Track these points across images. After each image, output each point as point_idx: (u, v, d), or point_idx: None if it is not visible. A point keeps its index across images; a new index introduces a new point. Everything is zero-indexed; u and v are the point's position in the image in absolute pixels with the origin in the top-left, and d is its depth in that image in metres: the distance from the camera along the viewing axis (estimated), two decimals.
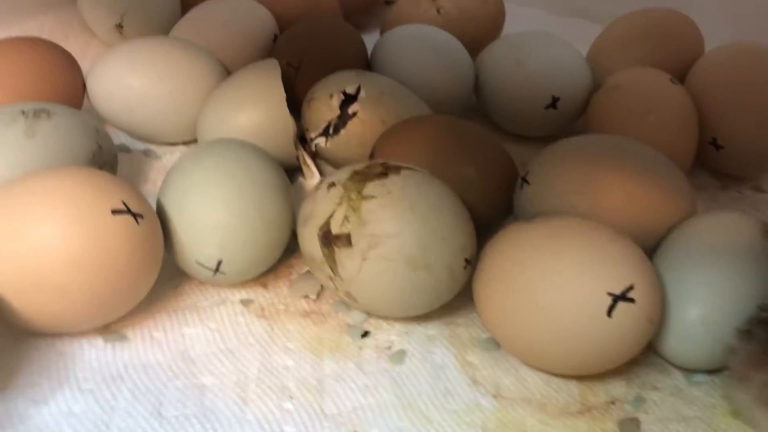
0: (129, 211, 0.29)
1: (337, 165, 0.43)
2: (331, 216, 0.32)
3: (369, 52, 0.49)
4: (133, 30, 0.51)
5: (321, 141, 0.42)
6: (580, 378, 0.32)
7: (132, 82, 0.41)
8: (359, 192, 0.32)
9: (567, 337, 0.29)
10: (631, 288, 0.28)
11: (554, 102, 0.45)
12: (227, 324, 0.33)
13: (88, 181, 0.29)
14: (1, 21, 0.51)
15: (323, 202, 0.33)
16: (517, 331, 0.31)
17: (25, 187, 0.29)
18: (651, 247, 0.33)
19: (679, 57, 0.46)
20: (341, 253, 0.31)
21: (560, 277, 0.29)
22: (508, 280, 0.30)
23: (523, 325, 0.30)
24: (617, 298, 0.28)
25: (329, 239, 0.32)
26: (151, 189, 0.42)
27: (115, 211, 0.29)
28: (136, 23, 0.51)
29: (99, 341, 0.32)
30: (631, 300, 0.28)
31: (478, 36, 0.52)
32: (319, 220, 0.32)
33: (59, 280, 0.28)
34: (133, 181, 0.42)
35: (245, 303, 0.35)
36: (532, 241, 0.30)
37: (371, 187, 0.32)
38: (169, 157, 0.44)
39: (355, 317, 0.34)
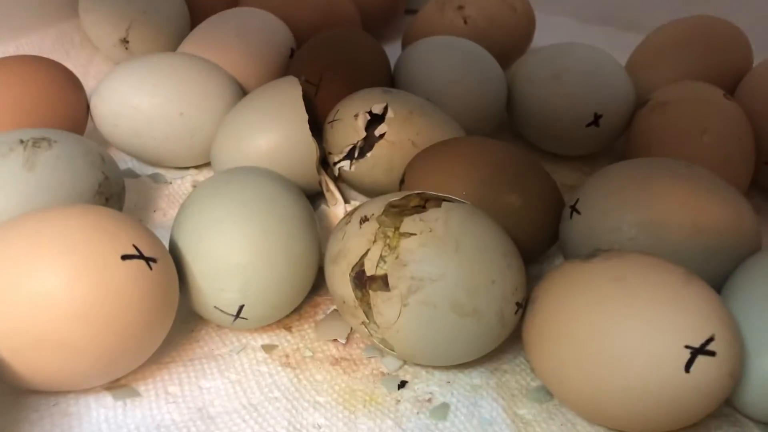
0: (141, 255, 0.26)
1: (362, 190, 0.40)
2: (364, 255, 0.29)
3: (392, 66, 0.46)
4: (139, 45, 0.48)
5: (345, 165, 0.38)
6: None
7: (139, 103, 0.38)
8: (396, 228, 0.28)
9: (637, 393, 0.26)
10: (711, 339, 0.25)
11: (597, 119, 0.41)
12: (249, 375, 0.30)
13: (94, 224, 0.26)
14: None
15: (355, 238, 0.29)
16: (576, 383, 0.27)
17: (24, 229, 0.26)
18: (717, 286, 0.30)
19: (727, 69, 0.43)
20: (377, 297, 0.28)
21: (630, 327, 0.25)
22: (567, 327, 0.27)
23: (583, 377, 0.27)
24: (696, 352, 0.25)
25: (363, 281, 0.28)
26: (161, 219, 0.38)
27: (125, 257, 0.26)
28: (142, 37, 0.47)
29: (108, 399, 0.28)
30: (712, 353, 0.25)
31: (508, 47, 0.49)
32: (352, 260, 0.29)
33: (62, 335, 0.25)
34: (142, 211, 0.39)
35: (268, 349, 0.31)
36: (594, 283, 0.27)
37: (409, 223, 0.28)
38: (180, 182, 0.41)
39: (390, 364, 0.31)
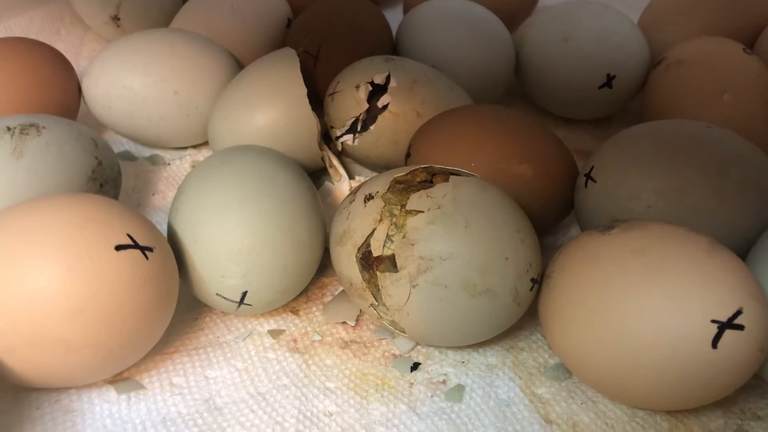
0: (136, 245, 0.25)
1: (367, 164, 0.39)
2: (370, 235, 0.27)
3: (393, 32, 0.44)
4: (131, 21, 0.46)
5: (348, 139, 0.37)
6: (670, 411, 0.27)
7: (132, 83, 0.37)
8: (402, 206, 0.27)
9: (661, 371, 0.24)
10: (739, 313, 0.24)
11: (609, 81, 0.39)
12: (256, 362, 0.29)
13: (86, 213, 0.25)
14: None
15: (360, 217, 0.28)
16: (597, 360, 0.26)
17: (13, 222, 0.25)
18: (742, 253, 0.28)
19: (746, 22, 0.41)
20: (385, 279, 0.27)
21: (652, 302, 0.24)
22: (585, 303, 0.26)
23: (604, 354, 0.25)
24: (724, 326, 0.23)
25: (370, 262, 0.27)
26: (160, 202, 0.37)
27: (119, 247, 0.25)
28: (133, 14, 0.46)
29: (111, 393, 0.27)
30: (740, 327, 0.24)
31: (514, 8, 0.47)
32: (357, 240, 0.28)
33: (58, 332, 0.24)
34: (140, 195, 0.37)
35: (275, 334, 0.30)
36: (614, 257, 0.26)
37: (416, 200, 0.27)
38: (179, 163, 0.40)
39: (402, 345, 0.30)
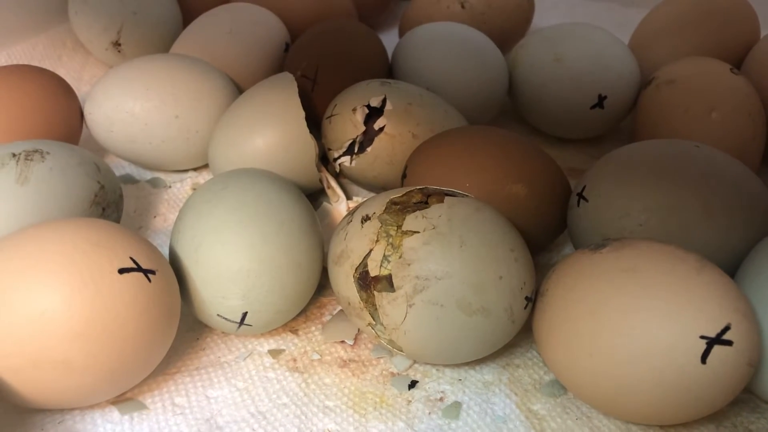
0: (139, 268, 0.26)
1: (364, 185, 0.40)
2: (367, 255, 0.28)
3: (389, 55, 0.45)
4: (132, 47, 0.47)
5: (345, 160, 0.38)
6: (663, 425, 0.28)
7: (133, 107, 0.37)
8: (398, 226, 0.28)
9: (652, 386, 0.25)
10: (727, 328, 0.24)
11: (601, 101, 0.40)
12: (257, 382, 0.30)
13: (90, 237, 0.25)
14: None
15: (357, 238, 0.29)
16: (590, 376, 0.26)
17: (19, 247, 0.25)
18: (731, 270, 0.29)
19: (734, 43, 0.42)
20: (382, 298, 0.27)
21: (643, 319, 0.25)
22: (578, 320, 0.26)
23: (597, 370, 0.26)
24: (713, 342, 0.24)
25: (367, 282, 0.28)
26: (161, 224, 0.38)
27: (122, 270, 0.25)
28: (134, 39, 0.47)
29: (114, 413, 0.28)
30: (728, 343, 0.24)
31: (507, 30, 0.48)
32: (355, 260, 0.28)
33: (62, 354, 0.24)
34: (142, 217, 0.38)
35: (275, 354, 0.31)
36: (606, 275, 0.26)
37: (412, 221, 0.28)
38: (179, 186, 0.40)
39: (400, 364, 0.30)
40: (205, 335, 0.31)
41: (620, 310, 0.25)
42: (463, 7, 0.48)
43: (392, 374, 0.30)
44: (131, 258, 0.26)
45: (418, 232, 0.27)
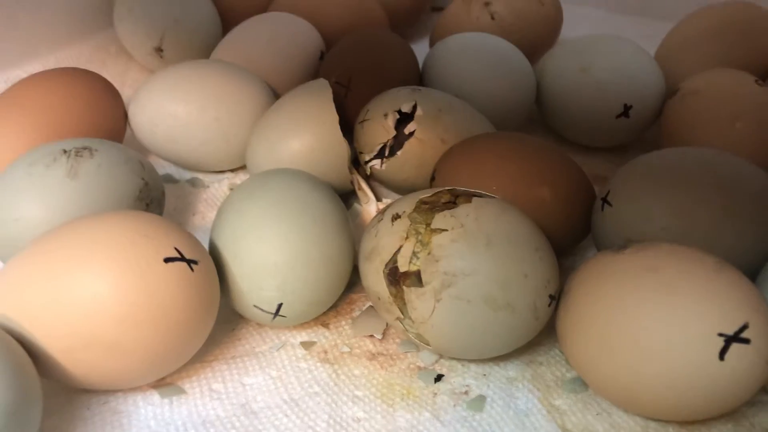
0: (183, 257, 0.27)
1: (393, 188, 0.41)
2: (397, 252, 0.29)
3: (420, 64, 0.46)
4: (173, 53, 0.49)
5: (376, 164, 0.39)
6: (682, 422, 0.28)
7: (176, 110, 0.39)
8: (427, 224, 0.29)
9: (671, 382, 0.26)
10: (745, 327, 0.25)
11: (626, 110, 0.41)
12: (289, 371, 0.31)
13: (137, 228, 0.27)
14: (37, 50, 0.49)
15: (388, 235, 0.30)
16: (611, 373, 0.27)
17: (70, 236, 0.27)
18: (752, 274, 0.30)
19: (758, 55, 0.43)
20: (411, 293, 0.29)
21: (663, 316, 0.26)
22: (600, 318, 0.27)
23: (618, 367, 0.27)
24: (730, 339, 0.25)
25: (397, 277, 0.29)
26: (200, 222, 0.39)
27: (168, 259, 0.27)
28: (176, 46, 0.49)
29: (155, 397, 0.29)
30: (746, 341, 0.25)
31: (536, 41, 0.49)
32: (385, 256, 0.30)
33: (110, 337, 0.26)
34: (181, 215, 0.40)
35: (306, 345, 0.32)
36: (627, 275, 0.27)
37: (440, 219, 0.29)
38: (217, 186, 0.42)
39: (426, 358, 0.32)
40: (241, 326, 0.33)
41: (640, 307, 0.26)
42: (492, 18, 0.49)
43: (419, 368, 0.31)
44: (176, 248, 0.27)
45: (447, 230, 0.28)
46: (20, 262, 0.27)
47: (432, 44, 0.53)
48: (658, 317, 0.26)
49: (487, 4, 0.49)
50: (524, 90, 0.43)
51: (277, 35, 0.45)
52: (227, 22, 0.51)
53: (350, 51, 0.44)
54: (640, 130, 0.43)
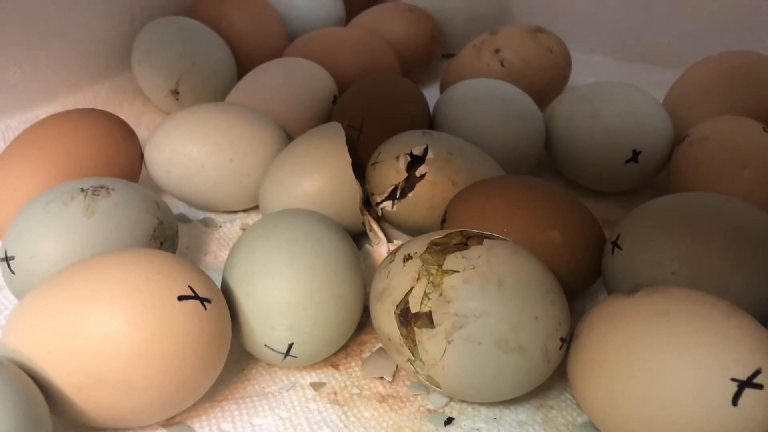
0: (196, 296, 0.27)
1: (404, 229, 0.41)
2: (409, 292, 0.29)
3: (430, 108, 0.47)
4: (189, 96, 0.50)
5: (387, 205, 0.39)
6: None
7: (191, 151, 0.40)
8: (439, 266, 0.29)
9: (684, 427, 0.26)
10: (758, 372, 0.25)
11: (635, 156, 0.42)
12: (299, 412, 0.31)
13: (152, 266, 0.27)
14: (56, 91, 0.50)
15: (399, 276, 0.30)
16: (623, 417, 0.27)
17: (86, 273, 0.27)
18: (762, 319, 0.30)
19: (765, 102, 0.43)
20: (422, 334, 0.29)
21: (675, 361, 0.26)
22: (611, 362, 0.27)
23: (629, 411, 0.27)
24: (743, 385, 0.25)
25: (408, 318, 0.29)
26: (212, 261, 0.40)
27: (181, 297, 0.27)
28: (192, 89, 0.50)
29: None
30: (759, 386, 0.25)
31: (545, 87, 0.50)
32: (396, 297, 0.30)
33: (122, 374, 0.26)
34: (194, 254, 0.40)
35: (316, 386, 0.32)
36: (638, 318, 0.27)
37: (452, 261, 0.29)
38: (229, 225, 0.43)
39: (436, 401, 0.31)
40: (251, 366, 0.33)
41: (652, 351, 0.26)
42: (502, 65, 0.50)
43: (429, 411, 0.31)
44: (189, 286, 0.27)
45: (458, 272, 0.29)
46: (35, 299, 0.27)
47: (442, 89, 0.54)
48: (669, 362, 0.26)
49: (497, 51, 0.50)
50: (534, 135, 0.44)
51: (292, 79, 0.46)
52: (242, 66, 0.53)
53: (363, 95, 0.45)
54: (650, 175, 0.43)
